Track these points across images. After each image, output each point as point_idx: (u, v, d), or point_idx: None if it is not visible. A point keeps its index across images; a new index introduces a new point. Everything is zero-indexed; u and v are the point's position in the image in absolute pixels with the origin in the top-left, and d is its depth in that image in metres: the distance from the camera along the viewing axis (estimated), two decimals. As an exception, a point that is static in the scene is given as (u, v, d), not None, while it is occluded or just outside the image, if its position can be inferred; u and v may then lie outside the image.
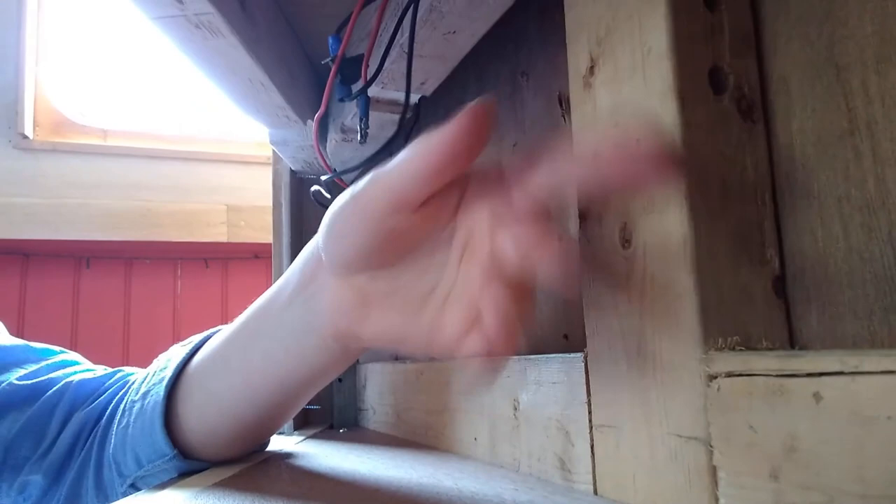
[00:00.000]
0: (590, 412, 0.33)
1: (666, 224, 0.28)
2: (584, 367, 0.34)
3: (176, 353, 0.49)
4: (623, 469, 0.30)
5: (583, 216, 0.34)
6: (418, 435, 0.57)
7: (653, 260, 0.29)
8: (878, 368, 0.19)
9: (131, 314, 1.55)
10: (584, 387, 0.34)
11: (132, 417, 0.47)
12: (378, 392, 0.70)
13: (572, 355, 0.35)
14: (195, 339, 0.49)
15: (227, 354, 0.44)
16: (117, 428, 0.48)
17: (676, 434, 0.27)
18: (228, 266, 1.63)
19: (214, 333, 0.48)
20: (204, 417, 0.45)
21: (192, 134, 1.62)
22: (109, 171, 1.50)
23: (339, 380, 0.75)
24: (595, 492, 0.32)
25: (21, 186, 1.43)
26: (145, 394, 0.47)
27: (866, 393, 0.19)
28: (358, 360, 0.76)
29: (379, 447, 0.55)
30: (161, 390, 0.46)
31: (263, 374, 0.42)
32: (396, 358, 0.77)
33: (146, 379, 0.49)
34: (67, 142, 1.48)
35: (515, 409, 0.41)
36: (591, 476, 0.33)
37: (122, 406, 0.49)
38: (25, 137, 1.44)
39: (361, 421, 0.74)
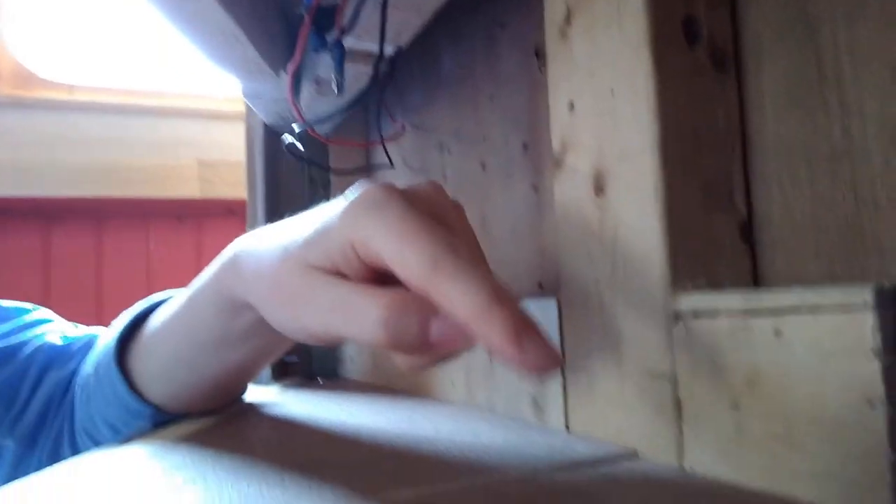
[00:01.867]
0: (562, 354, 0.34)
1: (638, 173, 0.29)
2: (557, 312, 0.35)
3: (121, 321, 0.48)
4: (594, 406, 0.32)
5: (557, 164, 0.35)
6: (396, 382, 0.58)
7: (625, 207, 0.30)
8: (836, 302, 0.20)
9: (104, 272, 1.53)
10: (558, 331, 0.35)
11: (90, 390, 0.47)
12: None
13: (545, 300, 0.36)
14: (142, 304, 0.49)
15: (161, 326, 0.45)
16: (78, 403, 0.48)
17: (645, 371, 0.28)
18: (202, 222, 1.61)
19: (164, 301, 0.48)
20: (158, 382, 0.45)
21: (160, 89, 1.58)
22: (76, 127, 1.46)
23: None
24: (567, 428, 0.34)
25: (-13, 142, 1.39)
26: (97, 365, 0.47)
27: (824, 327, 0.21)
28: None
29: (358, 394, 0.56)
30: (111, 360, 0.45)
31: (189, 340, 0.42)
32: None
33: (97, 351, 0.49)
34: (32, 97, 1.44)
35: (490, 356, 0.42)
36: (563, 414, 0.34)
37: (80, 380, 0.49)
38: (-12, 92, 1.39)
39: (340, 371, 0.75)
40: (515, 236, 0.49)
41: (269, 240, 0.32)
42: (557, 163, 0.35)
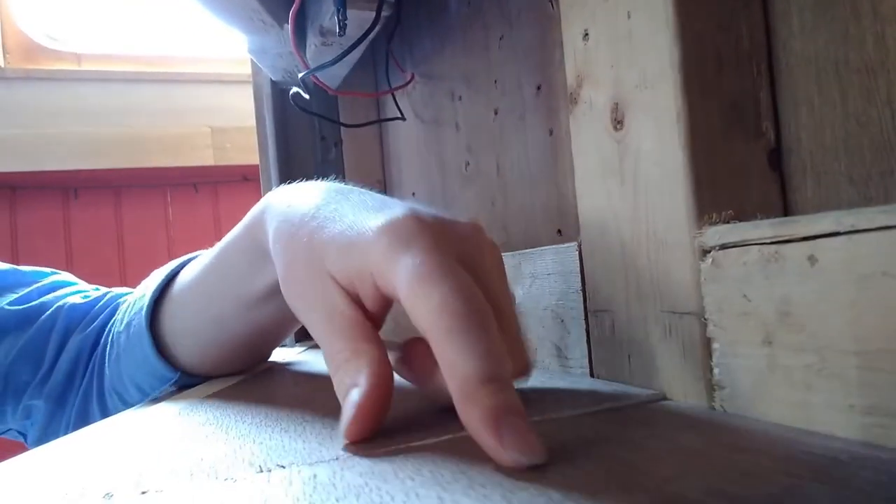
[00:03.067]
0: (585, 299, 0.33)
1: (659, 100, 0.27)
2: (578, 256, 0.34)
3: (153, 280, 0.49)
4: (617, 350, 0.31)
5: (573, 100, 0.33)
6: (414, 335, 0.58)
7: (645, 139, 0.28)
8: (875, 225, 0.19)
9: (125, 242, 1.54)
10: (579, 275, 0.34)
11: (121, 349, 0.48)
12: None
13: (566, 245, 0.35)
14: (173, 264, 0.49)
15: (192, 279, 0.45)
16: (109, 360, 0.49)
17: (671, 311, 0.27)
18: (218, 189, 1.61)
19: (193, 258, 0.48)
20: (188, 340, 0.46)
21: (169, 54, 1.57)
22: (87, 97, 1.46)
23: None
24: (592, 374, 0.33)
25: (-1, 117, 1.39)
26: (128, 325, 0.47)
27: (862, 251, 0.19)
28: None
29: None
30: (142, 321, 0.46)
31: (219, 292, 0.42)
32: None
33: (128, 308, 0.49)
34: (41, 68, 1.43)
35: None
36: (587, 360, 0.33)
37: (111, 338, 0.49)
38: (-3, 66, 1.39)
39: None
40: (531, 182, 0.48)
41: (299, 206, 0.31)
42: (573, 99, 0.33)
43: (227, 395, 0.39)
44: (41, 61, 1.45)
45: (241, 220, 0.40)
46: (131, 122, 1.47)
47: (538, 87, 0.46)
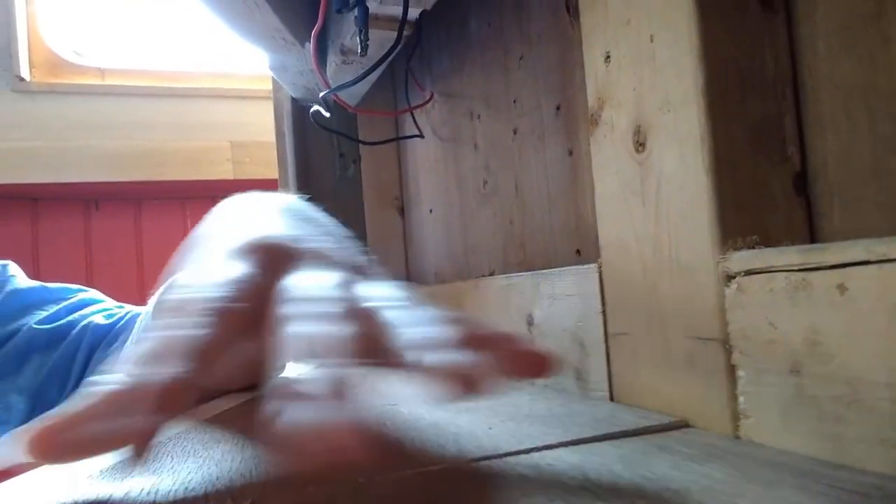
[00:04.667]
0: (605, 322, 0.33)
1: (682, 123, 0.27)
2: (598, 278, 0.33)
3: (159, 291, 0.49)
4: (640, 375, 0.30)
5: (593, 122, 0.33)
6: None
7: (668, 162, 0.28)
8: (907, 254, 0.18)
9: (144, 254, 1.55)
10: (599, 297, 0.33)
11: None
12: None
13: (586, 266, 0.35)
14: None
15: None
16: None
17: (694, 336, 0.27)
18: (237, 203, 1.62)
19: None
20: None
21: (190, 70, 1.59)
22: (109, 111, 1.48)
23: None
24: (611, 399, 0.32)
25: (22, 130, 1.41)
26: (137, 341, 0.48)
27: (894, 281, 0.19)
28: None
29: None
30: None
31: None
32: (408, 279, 0.77)
33: (139, 325, 0.49)
34: (65, 82, 1.45)
35: (530, 324, 0.41)
36: (606, 384, 0.33)
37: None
38: (22, 80, 1.41)
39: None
40: (550, 202, 0.48)
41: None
42: (594, 120, 0.33)
43: (225, 418, 0.39)
44: (66, 75, 1.47)
45: None
46: (152, 136, 1.49)
47: (557, 108, 0.46)
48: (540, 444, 0.24)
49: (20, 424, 0.51)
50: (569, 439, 0.25)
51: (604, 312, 0.33)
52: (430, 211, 0.72)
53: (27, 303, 0.54)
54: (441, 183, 0.68)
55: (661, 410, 0.29)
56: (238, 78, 1.59)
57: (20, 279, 0.56)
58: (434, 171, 0.70)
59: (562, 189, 0.46)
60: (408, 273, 0.79)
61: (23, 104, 1.42)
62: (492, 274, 0.55)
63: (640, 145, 0.29)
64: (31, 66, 1.44)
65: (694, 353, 0.27)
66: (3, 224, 1.45)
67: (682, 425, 0.27)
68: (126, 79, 1.52)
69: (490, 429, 0.28)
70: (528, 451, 0.24)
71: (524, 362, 0.19)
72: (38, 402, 0.50)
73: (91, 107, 1.47)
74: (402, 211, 0.81)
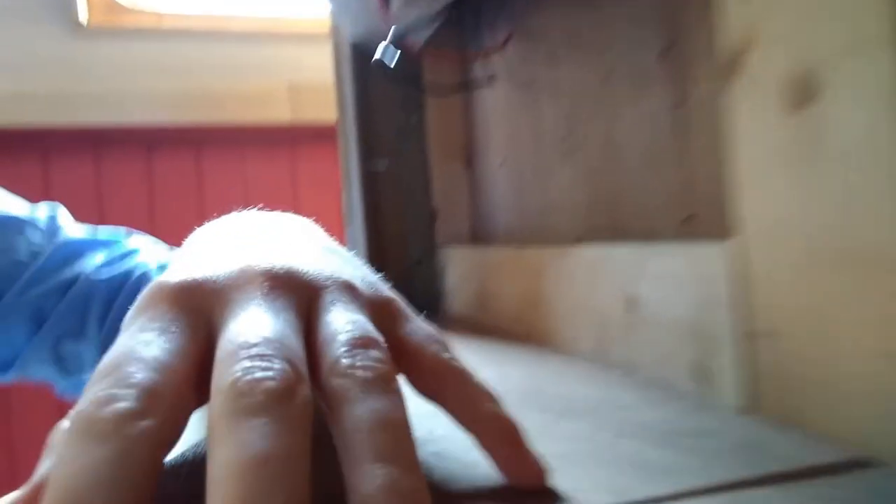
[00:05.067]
0: (743, 315, 0.27)
1: (873, 71, 0.20)
2: (733, 259, 0.27)
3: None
4: (790, 386, 0.24)
5: (731, 69, 0.26)
6: (506, 325, 0.53)
7: (846, 122, 0.21)
8: None
9: (204, 198, 1.55)
10: (733, 283, 0.27)
11: None
12: (459, 277, 0.66)
13: (714, 244, 0.29)
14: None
15: None
16: None
17: (879, 349, 0.21)
18: (295, 148, 1.59)
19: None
20: None
21: (247, 14, 1.56)
22: (167, 54, 1.46)
23: (419, 262, 0.71)
24: (745, 409, 0.27)
25: (82, 73, 1.41)
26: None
27: None
28: (436, 244, 0.72)
29: (464, 337, 0.51)
30: None
31: None
32: (474, 237, 0.72)
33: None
34: (122, 26, 1.44)
35: (629, 309, 0.35)
36: (740, 388, 0.27)
37: None
38: (80, 24, 1.40)
39: (443, 307, 0.70)
40: (651, 163, 0.41)
41: None
42: (731, 67, 0.26)
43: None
44: (123, 20, 1.46)
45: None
46: (210, 79, 1.47)
47: (664, 49, 0.39)
48: (671, 490, 0.19)
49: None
50: (711, 483, 0.20)
51: (739, 302, 0.27)
52: (500, 164, 0.66)
53: (80, 251, 0.53)
54: (514, 133, 0.62)
55: (823, 433, 0.23)
56: (296, 22, 1.55)
57: (69, 228, 0.55)
58: (506, 120, 0.64)
59: (666, 148, 0.39)
60: (473, 230, 0.74)
61: (81, 48, 1.42)
62: (578, 241, 0.49)
63: (806, 100, 0.23)
64: (89, 10, 1.43)
65: (877, 368, 0.21)
66: (68, 165, 1.46)
67: (862, 462, 0.21)
68: (183, 23, 1.50)
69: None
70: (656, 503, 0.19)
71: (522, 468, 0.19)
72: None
73: (148, 49, 1.46)
74: (468, 162, 0.75)
